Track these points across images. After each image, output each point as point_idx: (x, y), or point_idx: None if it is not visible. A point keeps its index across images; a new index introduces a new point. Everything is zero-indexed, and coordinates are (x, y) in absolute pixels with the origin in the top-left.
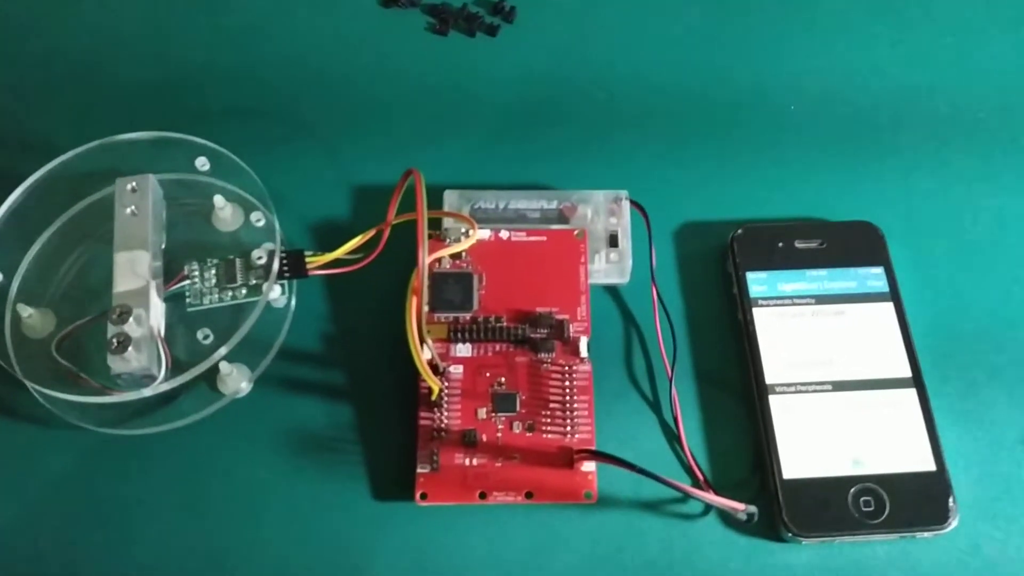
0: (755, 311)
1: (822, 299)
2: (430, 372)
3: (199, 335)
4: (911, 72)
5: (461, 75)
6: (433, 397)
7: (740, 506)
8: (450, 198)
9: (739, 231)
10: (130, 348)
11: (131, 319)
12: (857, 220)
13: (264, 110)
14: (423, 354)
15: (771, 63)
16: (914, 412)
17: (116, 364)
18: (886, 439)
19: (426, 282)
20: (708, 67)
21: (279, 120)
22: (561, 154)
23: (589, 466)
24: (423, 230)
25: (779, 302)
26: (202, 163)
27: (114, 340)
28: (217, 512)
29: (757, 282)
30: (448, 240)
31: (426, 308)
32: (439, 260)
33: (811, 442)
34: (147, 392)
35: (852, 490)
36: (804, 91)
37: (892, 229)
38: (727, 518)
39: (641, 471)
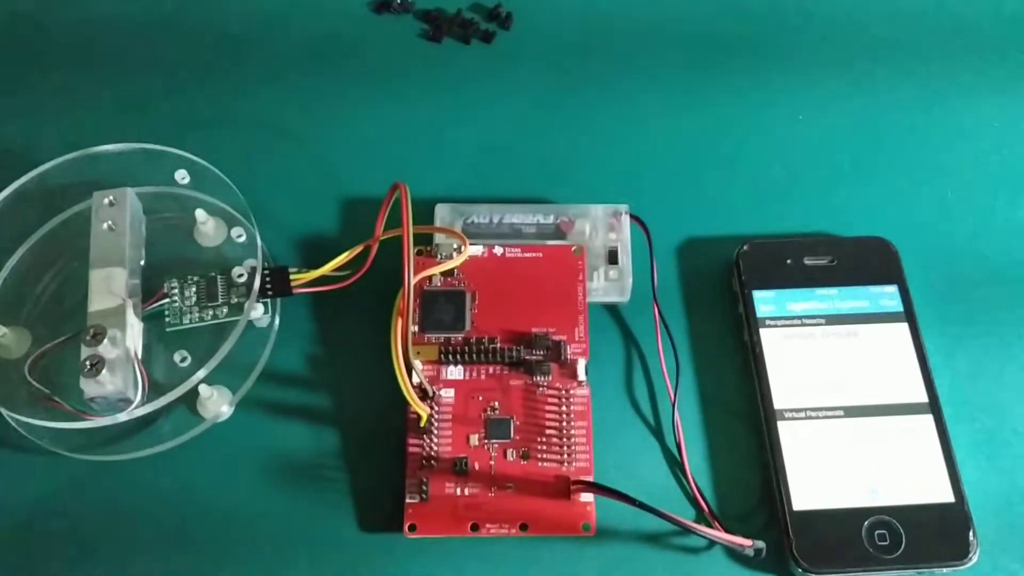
0: (762, 332)
1: (833, 319)
2: (416, 399)
3: (176, 357)
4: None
5: (455, 83)
6: (422, 423)
7: (747, 542)
8: (441, 212)
9: (745, 247)
10: (104, 371)
11: (106, 340)
12: (869, 236)
13: (247, 119)
14: (410, 378)
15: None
16: (931, 439)
17: (89, 387)
18: (902, 468)
19: (412, 303)
20: (711, 77)
21: (263, 129)
22: (558, 166)
23: (587, 496)
24: (408, 248)
25: (788, 322)
26: (182, 176)
27: (87, 362)
28: (197, 542)
29: (764, 301)
30: (439, 256)
31: (414, 329)
32: (429, 278)
33: (822, 471)
34: (122, 417)
35: (866, 523)
36: (813, 99)
37: (906, 245)
38: (733, 552)
39: (642, 506)
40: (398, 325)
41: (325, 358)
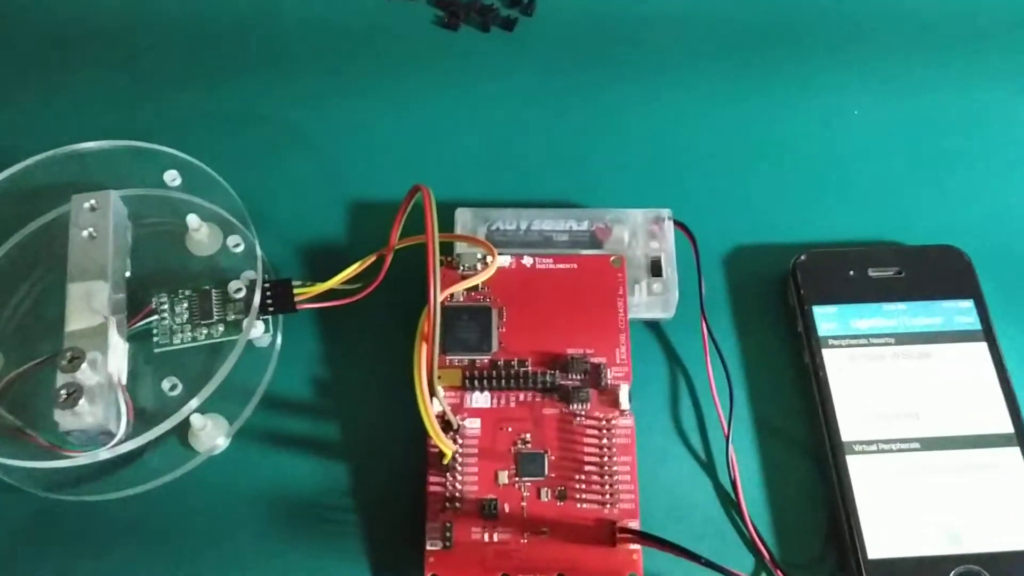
0: (825, 352)
1: (903, 338)
2: (441, 434)
3: (164, 384)
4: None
5: (473, 74)
6: (445, 461)
7: None
8: (463, 217)
9: (802, 257)
10: (82, 400)
11: (84, 364)
12: (940, 244)
13: (245, 114)
14: (433, 407)
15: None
16: (1020, 476)
17: (66, 420)
18: (988, 509)
19: (439, 326)
20: (758, 66)
21: (262, 125)
22: (590, 166)
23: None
24: (434, 260)
25: (853, 342)
26: (172, 177)
27: (63, 391)
28: None
29: (826, 318)
30: (462, 268)
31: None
32: (451, 293)
33: (899, 513)
34: (104, 453)
35: (952, 573)
36: (870, 90)
37: (981, 254)
38: None
39: (707, 563)
40: (422, 351)
41: (333, 382)
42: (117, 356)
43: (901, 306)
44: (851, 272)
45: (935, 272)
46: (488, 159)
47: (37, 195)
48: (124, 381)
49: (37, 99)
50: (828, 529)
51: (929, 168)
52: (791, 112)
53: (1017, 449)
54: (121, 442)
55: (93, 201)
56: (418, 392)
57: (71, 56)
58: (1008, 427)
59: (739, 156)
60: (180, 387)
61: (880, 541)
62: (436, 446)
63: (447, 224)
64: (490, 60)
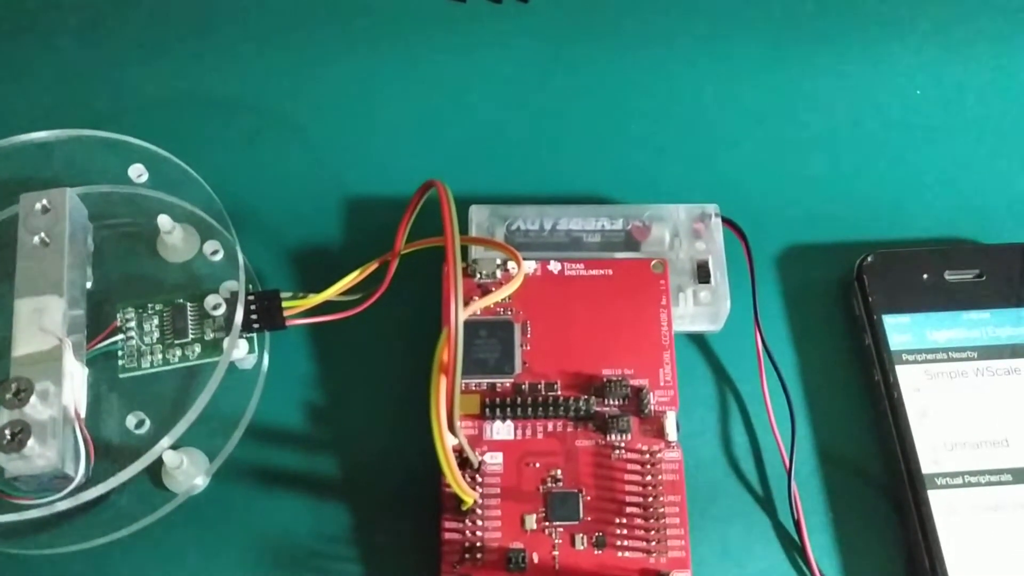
0: (898, 369)
1: (987, 352)
2: (462, 481)
3: (130, 421)
4: None
5: (485, 52)
6: (464, 507)
7: None
8: (478, 216)
9: (869, 258)
10: (31, 441)
11: (33, 398)
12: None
13: (223, 98)
14: (449, 443)
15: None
16: None
17: (12, 465)
18: None
19: (460, 355)
20: (810, 40)
21: (243, 112)
22: (625, 155)
23: None
24: (456, 272)
25: (930, 356)
26: (138, 172)
27: (7, 431)
28: None
29: (898, 328)
30: (479, 277)
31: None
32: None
33: (990, 555)
34: (62, 503)
35: None
36: (934, 74)
37: None
38: None
39: None
40: (440, 384)
41: (329, 409)
42: (74, 385)
43: (984, 314)
44: (925, 276)
45: (1021, 274)
46: (505, 148)
47: None
48: (83, 414)
49: None
50: (908, 573)
51: (1011, 156)
52: (851, 93)
53: None
54: (81, 487)
55: (45, 201)
56: (435, 430)
57: (16, 29)
58: None
59: (794, 143)
60: (148, 423)
61: None
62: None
63: (460, 224)
64: (504, 34)
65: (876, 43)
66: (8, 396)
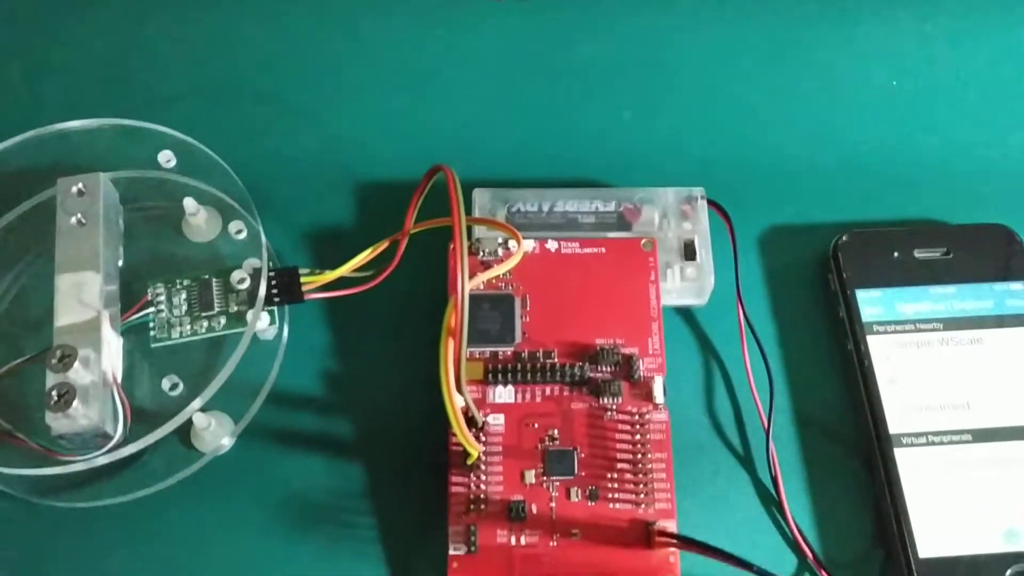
0: (869, 339)
1: (952, 323)
2: (469, 435)
3: (164, 384)
4: None
5: (487, 42)
6: (470, 461)
7: None
8: (481, 199)
9: (844, 237)
10: (75, 402)
11: (76, 363)
12: (988, 223)
13: (244, 89)
14: (458, 404)
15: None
16: None
17: (58, 423)
18: None
19: (467, 321)
20: (793, 32)
21: (263, 102)
22: (618, 142)
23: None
24: (462, 249)
25: (898, 327)
26: (167, 158)
27: (54, 392)
28: None
29: (870, 302)
30: (482, 254)
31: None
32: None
33: (951, 509)
34: (101, 458)
35: (1008, 572)
36: (909, 65)
37: None
38: None
39: (758, 571)
40: (449, 347)
41: (344, 376)
42: (111, 352)
43: (950, 289)
44: (896, 254)
45: (985, 253)
46: (507, 135)
47: (19, 179)
48: (119, 379)
49: (16, 74)
50: (875, 527)
51: (976, 142)
52: (830, 85)
53: None
54: (119, 445)
55: (80, 185)
56: (444, 390)
57: (53, 27)
58: None
59: (775, 129)
60: (181, 386)
61: (931, 539)
62: (458, 444)
63: (464, 206)
64: (505, 25)
65: (859, 36)
66: (54, 362)
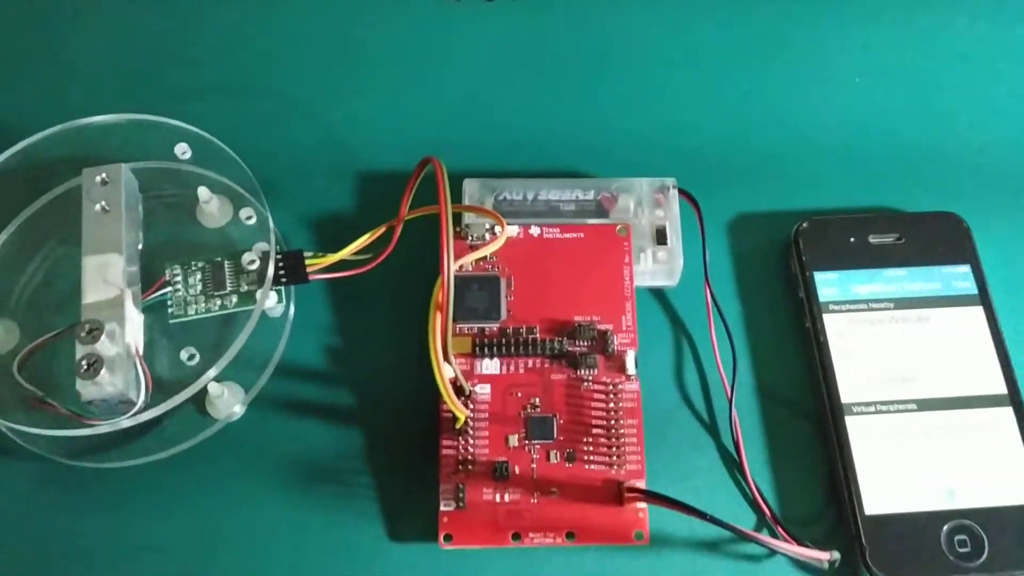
0: (825, 317)
1: (902, 303)
2: (455, 399)
3: (183, 355)
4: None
5: (478, 42)
6: (458, 426)
7: (824, 555)
8: (470, 188)
9: (804, 224)
10: (103, 371)
11: (103, 336)
12: (938, 211)
13: (250, 85)
14: (446, 374)
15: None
16: (1012, 435)
17: (87, 390)
18: (982, 467)
19: (452, 296)
20: (757, 33)
21: (267, 97)
22: (593, 135)
23: (639, 502)
24: (448, 232)
25: (853, 307)
26: (182, 150)
27: (84, 362)
28: (208, 555)
29: (827, 283)
30: (470, 239)
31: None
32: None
33: (896, 471)
34: (125, 422)
35: (945, 527)
36: (871, 63)
37: (978, 220)
38: (798, 561)
39: (716, 521)
40: (436, 319)
41: (345, 350)
42: (134, 327)
43: (900, 272)
44: (852, 239)
45: (934, 238)
46: (493, 129)
47: (44, 171)
48: (141, 351)
49: (42, 73)
50: (827, 487)
51: (929, 136)
52: (792, 82)
53: (1010, 409)
54: (141, 410)
55: (104, 175)
56: (433, 359)
57: (77, 29)
58: (1002, 388)
59: (742, 125)
60: (198, 356)
61: (877, 497)
62: (449, 411)
63: (454, 194)
64: (496, 26)
65: (820, 37)
66: (83, 334)
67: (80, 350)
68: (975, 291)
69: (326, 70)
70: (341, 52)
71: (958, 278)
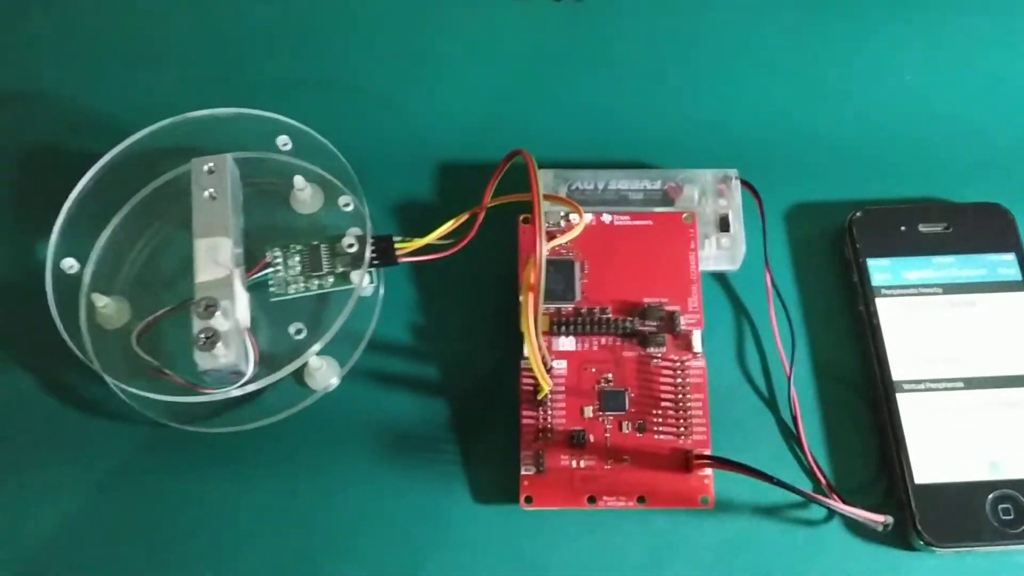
0: (878, 301)
1: (950, 288)
2: (544, 371)
3: (291, 329)
4: None
5: (550, 41)
6: (540, 396)
7: (879, 518)
8: (544, 178)
9: (858, 213)
10: (219, 344)
11: (218, 312)
12: (985, 202)
13: (337, 80)
14: (535, 347)
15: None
16: None
17: (204, 361)
18: (1023, 440)
19: (544, 278)
20: (819, 35)
21: (356, 92)
22: (659, 128)
23: (705, 469)
24: (540, 220)
25: (904, 291)
26: (283, 142)
27: (202, 335)
28: (306, 514)
29: (879, 269)
30: (547, 226)
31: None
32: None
33: (943, 444)
34: (235, 391)
35: (990, 497)
36: (922, 59)
37: (1023, 211)
38: (853, 524)
39: (780, 483)
40: (529, 300)
41: (430, 328)
42: (242, 304)
43: (949, 259)
44: (903, 228)
45: (980, 228)
46: (564, 122)
47: (154, 159)
48: (249, 327)
49: (152, 70)
50: (879, 458)
51: (975, 130)
52: (850, 77)
53: None
54: (250, 381)
55: (211, 164)
56: (526, 334)
57: (185, 35)
58: None
59: (800, 119)
60: (305, 331)
61: (926, 468)
62: (529, 384)
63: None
64: (566, 25)
65: (869, 32)
66: (201, 310)
67: (197, 324)
68: (1020, 277)
69: (408, 68)
70: (422, 51)
71: (1003, 265)
